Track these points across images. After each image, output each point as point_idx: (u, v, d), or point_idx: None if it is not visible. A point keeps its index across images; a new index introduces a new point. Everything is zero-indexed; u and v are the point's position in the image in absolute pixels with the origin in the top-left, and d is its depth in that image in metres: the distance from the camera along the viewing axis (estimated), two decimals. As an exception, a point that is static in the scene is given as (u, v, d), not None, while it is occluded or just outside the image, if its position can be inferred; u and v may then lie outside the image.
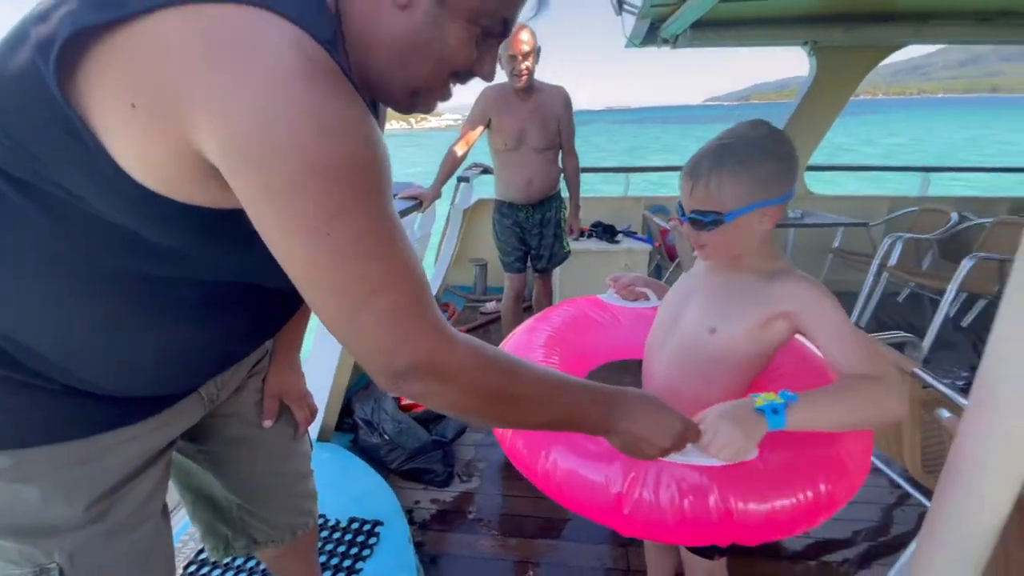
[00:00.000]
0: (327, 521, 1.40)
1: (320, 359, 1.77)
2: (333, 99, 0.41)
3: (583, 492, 0.74)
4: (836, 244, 3.48)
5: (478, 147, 2.39)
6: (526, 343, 1.08)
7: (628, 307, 1.18)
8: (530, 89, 2.19)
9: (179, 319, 0.55)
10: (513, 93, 2.20)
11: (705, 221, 0.79)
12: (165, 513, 0.69)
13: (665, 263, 3.62)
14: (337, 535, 1.36)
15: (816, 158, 3.67)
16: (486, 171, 3.30)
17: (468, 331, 3.07)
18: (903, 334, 1.55)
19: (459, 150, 2.27)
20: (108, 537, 0.59)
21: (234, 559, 1.29)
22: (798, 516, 0.70)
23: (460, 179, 3.39)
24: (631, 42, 3.02)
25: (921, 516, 1.24)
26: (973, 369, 0.72)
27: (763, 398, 0.66)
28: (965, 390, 0.83)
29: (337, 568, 1.26)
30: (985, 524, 0.70)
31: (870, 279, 3.11)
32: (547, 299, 2.71)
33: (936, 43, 3.15)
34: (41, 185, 0.45)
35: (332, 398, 1.77)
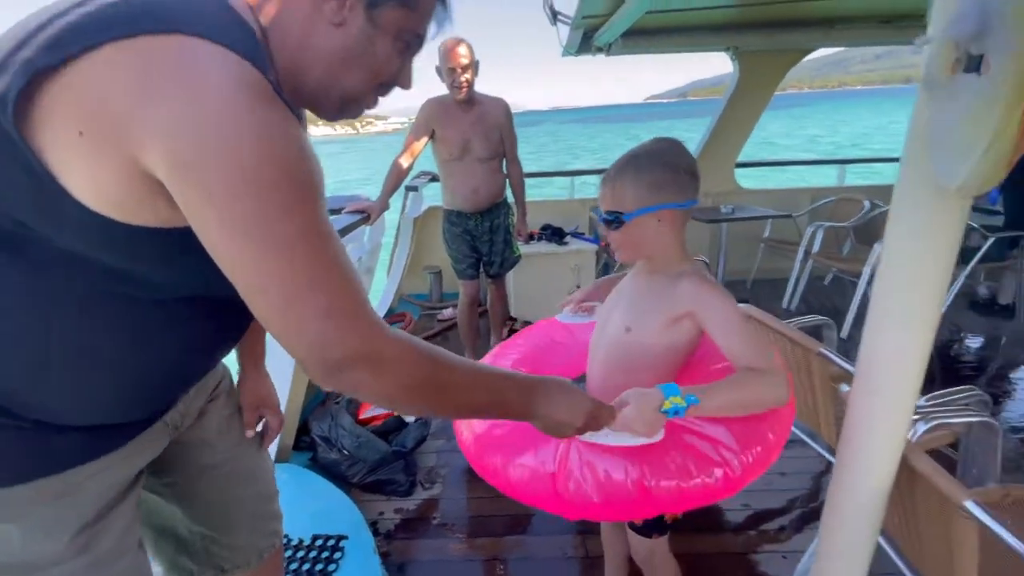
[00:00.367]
0: (290, 541, 1.40)
1: (273, 380, 1.75)
2: (270, 113, 0.46)
3: (529, 485, 0.84)
4: (766, 235, 3.74)
5: (425, 155, 2.42)
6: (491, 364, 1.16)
7: (583, 322, 1.26)
8: (471, 101, 2.25)
9: (144, 338, 0.57)
10: (455, 105, 2.25)
11: (610, 220, 0.90)
12: (142, 547, 0.69)
13: (612, 262, 3.77)
14: (301, 553, 1.37)
15: (750, 151, 3.93)
16: (434, 179, 3.32)
17: (426, 339, 3.04)
18: (820, 318, 1.72)
19: (404, 162, 2.29)
20: (93, 570, 0.60)
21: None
22: (708, 489, 0.79)
23: (408, 188, 3.40)
24: (567, 51, 3.13)
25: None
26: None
27: (670, 402, 0.77)
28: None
29: (303, 586, 1.27)
30: (876, 483, 0.81)
31: (797, 265, 3.37)
32: (501, 303, 2.77)
33: (844, 45, 3.45)
34: (3, 224, 0.47)
35: (288, 417, 1.76)
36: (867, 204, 3.40)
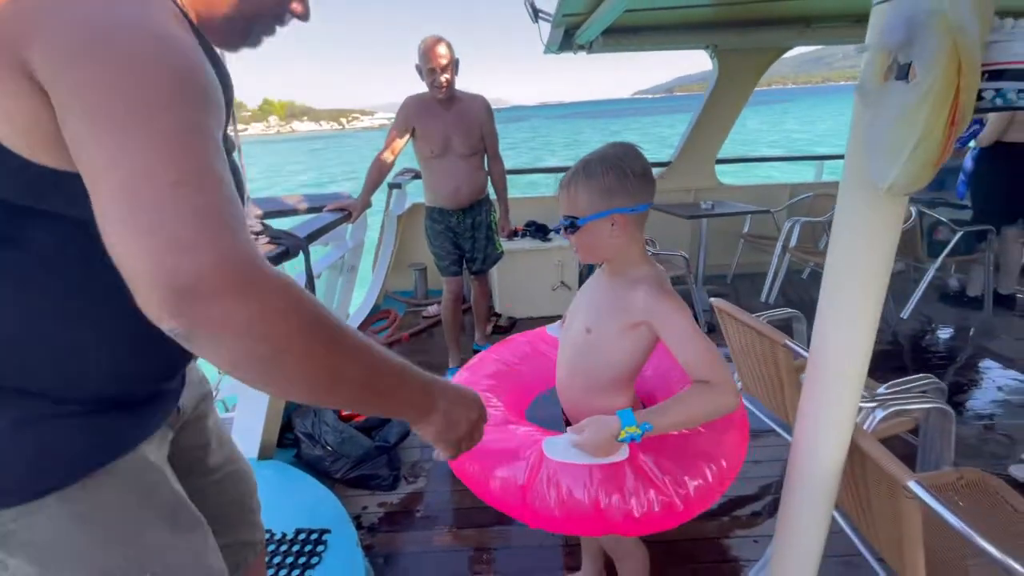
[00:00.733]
0: (273, 536, 1.42)
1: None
2: (166, 20, 0.46)
3: (502, 494, 0.91)
4: (746, 230, 3.81)
5: (408, 153, 2.44)
6: (472, 374, 1.24)
7: None
8: (451, 99, 2.27)
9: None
10: (435, 102, 2.27)
11: (566, 225, 0.93)
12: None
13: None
14: (284, 547, 1.39)
15: (731, 148, 4.00)
16: (417, 176, 3.33)
17: (412, 335, 3.11)
18: (790, 311, 1.77)
19: (386, 159, 2.31)
20: (181, 536, 0.63)
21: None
22: (664, 514, 0.86)
23: (392, 186, 3.41)
24: (549, 48, 3.15)
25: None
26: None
27: (625, 431, 0.84)
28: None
29: (286, 579, 1.29)
30: (828, 462, 0.86)
31: (775, 260, 3.44)
32: (485, 299, 2.80)
33: (820, 44, 3.51)
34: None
35: (271, 414, 1.77)
36: (842, 199, 3.48)
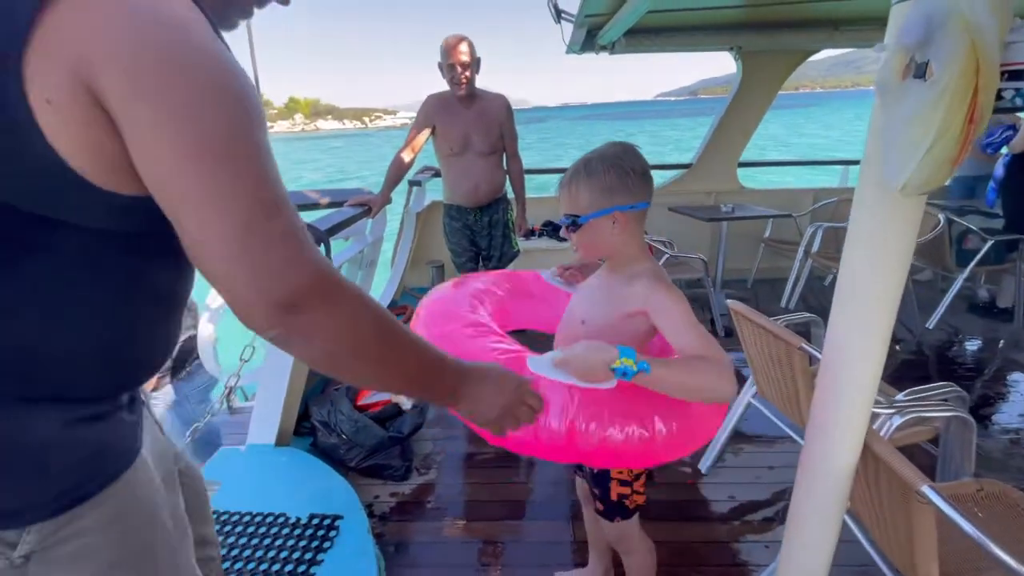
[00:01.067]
0: (288, 519, 1.46)
1: (275, 365, 1.81)
2: (215, 42, 0.46)
3: None
4: (767, 234, 3.75)
5: (428, 151, 2.47)
6: (454, 293, 1.16)
7: (561, 288, 1.29)
8: (472, 96, 2.29)
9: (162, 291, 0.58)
10: (456, 100, 2.29)
11: (568, 223, 0.94)
12: None
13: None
14: (298, 531, 1.42)
15: (752, 153, 3.95)
16: (437, 174, 3.37)
17: (426, 331, 3.13)
18: (808, 315, 1.75)
19: (406, 156, 2.34)
20: (181, 539, 0.64)
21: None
22: (638, 447, 0.82)
23: (412, 183, 3.45)
24: (571, 49, 3.16)
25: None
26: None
27: (621, 361, 0.78)
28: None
29: (299, 561, 1.33)
30: (840, 462, 0.85)
31: (796, 265, 3.38)
32: (500, 297, 2.82)
33: (848, 47, 3.45)
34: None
35: (288, 403, 1.82)
36: (868, 205, 3.40)
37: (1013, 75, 0.54)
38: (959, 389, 1.34)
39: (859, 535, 1.24)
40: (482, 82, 2.33)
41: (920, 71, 0.58)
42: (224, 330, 2.00)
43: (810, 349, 1.24)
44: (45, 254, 0.47)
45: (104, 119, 0.43)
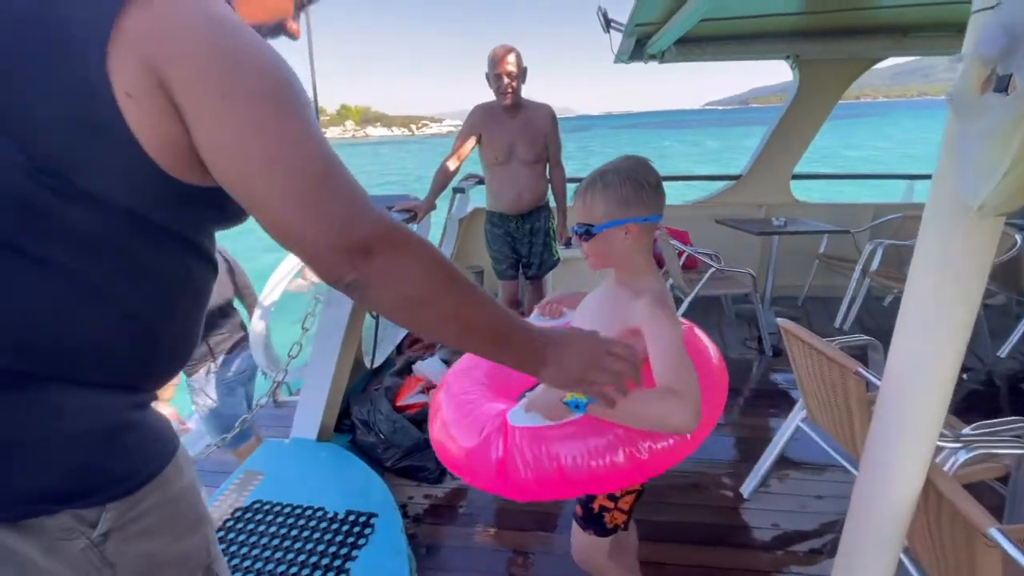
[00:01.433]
0: (326, 513, 1.50)
1: (320, 364, 1.88)
2: (262, 39, 0.51)
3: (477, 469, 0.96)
4: (822, 250, 3.58)
5: (472, 158, 2.51)
6: (458, 373, 1.25)
7: (547, 324, 1.28)
8: (517, 106, 2.31)
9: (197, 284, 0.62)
10: (501, 110, 2.32)
11: (581, 232, 0.95)
12: None
13: (655, 269, 3.72)
14: (335, 526, 1.46)
15: (804, 165, 3.79)
16: (481, 181, 3.41)
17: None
18: (865, 338, 1.65)
19: (451, 164, 2.39)
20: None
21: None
22: (630, 467, 0.86)
23: (456, 190, 3.51)
24: (619, 58, 3.14)
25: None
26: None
27: (571, 395, 0.85)
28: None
29: (335, 555, 1.36)
30: (897, 497, 0.80)
31: (853, 284, 3.21)
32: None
33: (916, 55, 3.26)
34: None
35: (331, 400, 1.88)
36: (935, 222, 3.19)
37: (1110, 89, 0.50)
38: (1035, 425, 1.23)
39: (912, 569, 1.15)
40: (527, 90, 2.35)
41: (1002, 84, 0.54)
42: (273, 328, 2.09)
43: (867, 374, 1.17)
44: (125, 251, 0.51)
45: (171, 109, 0.47)
